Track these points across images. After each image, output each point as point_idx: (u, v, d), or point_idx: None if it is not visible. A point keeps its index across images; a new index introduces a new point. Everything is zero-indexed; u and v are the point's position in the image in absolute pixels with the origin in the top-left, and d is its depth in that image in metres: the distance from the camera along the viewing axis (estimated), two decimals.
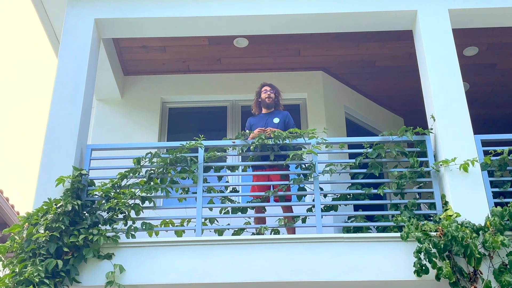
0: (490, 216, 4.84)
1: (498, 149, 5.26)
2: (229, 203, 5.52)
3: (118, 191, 5.20)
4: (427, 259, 4.57)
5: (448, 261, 4.59)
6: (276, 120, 6.06)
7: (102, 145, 6.19)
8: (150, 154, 5.33)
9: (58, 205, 4.88)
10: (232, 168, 5.88)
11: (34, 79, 32.39)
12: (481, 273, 4.60)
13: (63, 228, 4.75)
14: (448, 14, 5.91)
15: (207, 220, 5.32)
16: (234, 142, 5.56)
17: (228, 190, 5.70)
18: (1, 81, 29.94)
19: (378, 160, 5.36)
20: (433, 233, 4.71)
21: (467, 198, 4.99)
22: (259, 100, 6.29)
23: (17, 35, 32.08)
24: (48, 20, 6.58)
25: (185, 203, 5.46)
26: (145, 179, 5.28)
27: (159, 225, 5.31)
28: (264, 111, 6.26)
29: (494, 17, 6.08)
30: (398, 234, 4.82)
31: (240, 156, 6.00)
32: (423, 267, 4.59)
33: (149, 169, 5.32)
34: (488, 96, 8.30)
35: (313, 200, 5.29)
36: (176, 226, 5.36)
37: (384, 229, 5.17)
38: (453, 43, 5.77)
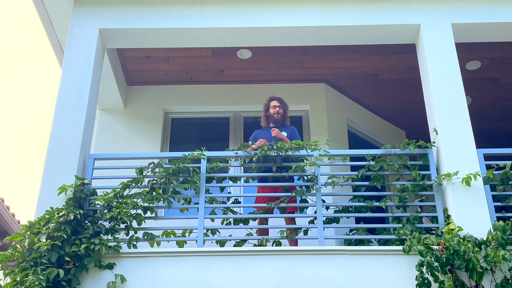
0: (492, 230, 4.83)
1: (501, 163, 5.26)
2: (231, 214, 5.52)
3: (120, 200, 5.19)
4: (429, 273, 4.56)
5: (450, 275, 4.58)
6: (284, 134, 6.09)
7: (104, 154, 6.18)
8: (152, 164, 5.34)
9: (60, 214, 4.88)
10: (235, 179, 5.88)
11: (38, 88, 32.49)
12: (483, 287, 4.58)
13: (65, 237, 4.75)
14: (451, 28, 5.93)
15: (209, 231, 5.32)
16: (236, 153, 5.57)
17: (230, 201, 5.70)
18: (5, 90, 30.02)
19: (381, 173, 5.36)
20: (435, 247, 4.70)
21: (469, 212, 4.99)
22: (268, 114, 6.31)
23: (22, 45, 32.20)
24: (53, 30, 6.60)
25: (187, 214, 5.45)
26: (147, 189, 5.29)
27: (160, 236, 5.30)
28: (272, 125, 6.29)
29: (497, 32, 6.11)
30: (400, 247, 4.81)
31: (242, 167, 5.99)
32: (425, 281, 4.57)
33: (151, 179, 5.32)
34: (491, 110, 8.32)
35: (315, 212, 5.28)
36: (178, 236, 5.35)
37: (386, 242, 5.16)
38: (456, 57, 5.79)
